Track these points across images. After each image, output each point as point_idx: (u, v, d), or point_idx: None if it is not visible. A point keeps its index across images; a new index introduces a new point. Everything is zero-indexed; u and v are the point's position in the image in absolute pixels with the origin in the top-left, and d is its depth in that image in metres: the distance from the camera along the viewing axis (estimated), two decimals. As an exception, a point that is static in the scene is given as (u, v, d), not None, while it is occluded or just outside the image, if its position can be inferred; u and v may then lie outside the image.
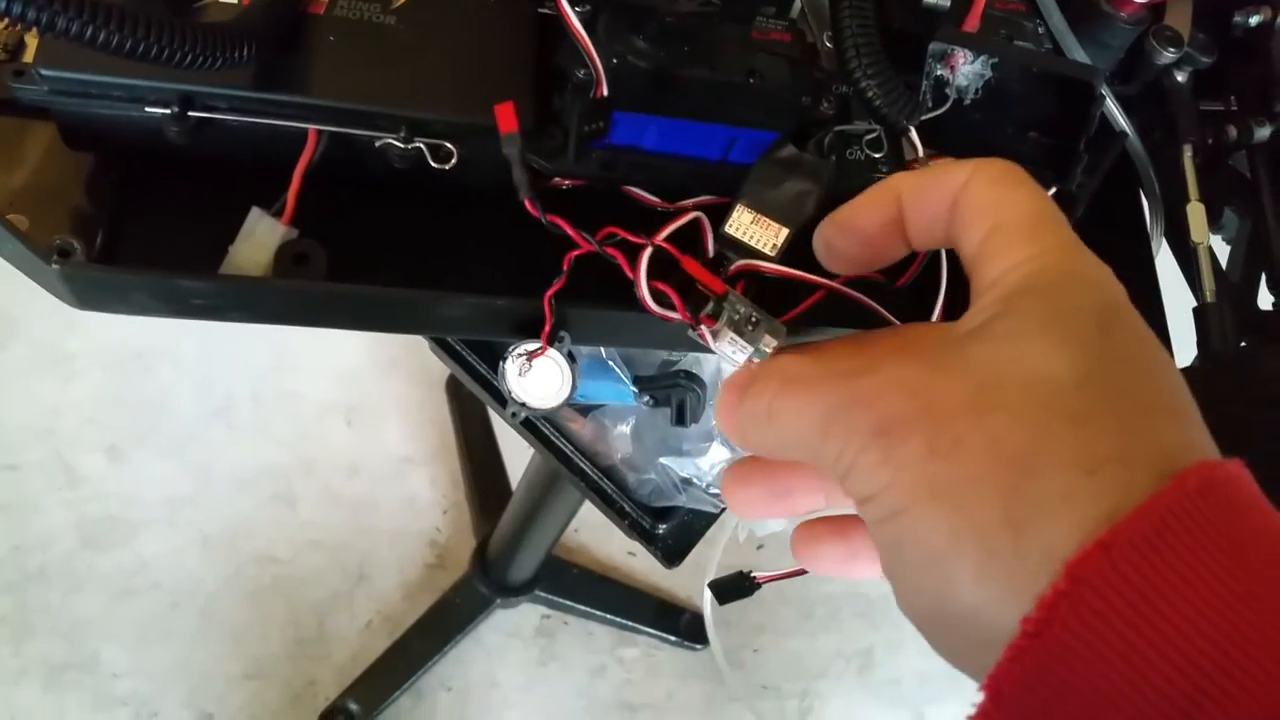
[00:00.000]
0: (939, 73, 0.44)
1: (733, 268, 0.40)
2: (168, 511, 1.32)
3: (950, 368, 0.28)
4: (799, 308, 0.39)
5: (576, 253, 0.38)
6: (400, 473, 1.40)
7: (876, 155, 0.42)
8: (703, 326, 0.37)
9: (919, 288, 0.40)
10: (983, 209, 0.30)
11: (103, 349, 1.38)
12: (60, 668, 1.22)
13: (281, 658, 1.27)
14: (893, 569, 0.28)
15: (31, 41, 0.41)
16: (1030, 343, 0.27)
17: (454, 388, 1.42)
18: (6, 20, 0.31)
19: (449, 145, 0.39)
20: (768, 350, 0.38)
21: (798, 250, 0.40)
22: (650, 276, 0.36)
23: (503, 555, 1.22)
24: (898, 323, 0.40)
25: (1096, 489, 0.24)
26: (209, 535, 1.31)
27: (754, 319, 0.37)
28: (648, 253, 0.37)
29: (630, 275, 0.37)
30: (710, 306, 0.37)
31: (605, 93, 0.37)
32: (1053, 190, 0.44)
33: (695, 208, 0.43)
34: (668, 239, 0.37)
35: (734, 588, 0.46)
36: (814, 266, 0.39)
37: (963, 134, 0.43)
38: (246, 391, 1.40)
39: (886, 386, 0.28)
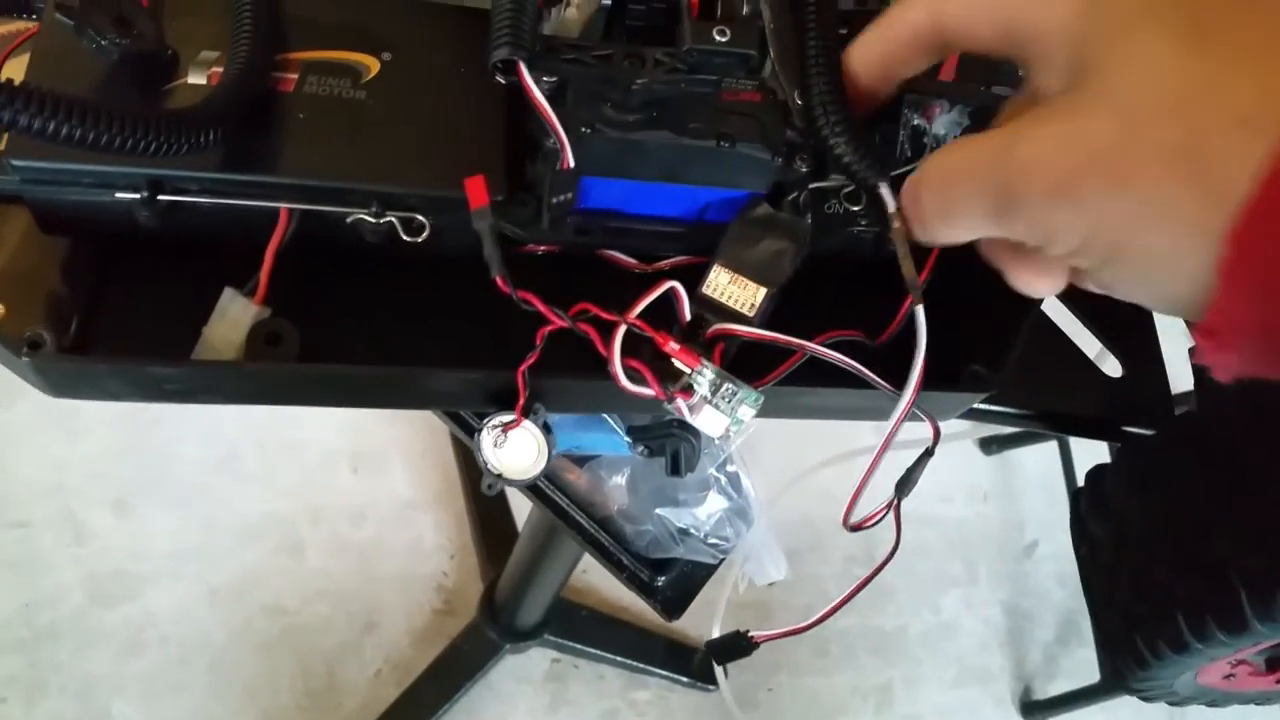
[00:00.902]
0: (916, 122, 0.44)
1: (709, 331, 0.39)
2: (174, 564, 1.31)
3: (1079, 109, 0.28)
4: (777, 371, 0.39)
5: (549, 328, 0.38)
6: (406, 518, 1.39)
7: (855, 208, 0.42)
8: (679, 400, 0.37)
9: (899, 346, 0.40)
10: None
11: (108, 404, 1.37)
12: (72, 725, 1.21)
13: (292, 709, 1.26)
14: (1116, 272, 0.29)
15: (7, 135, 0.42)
16: (1133, 54, 0.28)
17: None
18: (-30, 118, 0.31)
19: (421, 218, 0.39)
20: (745, 420, 0.37)
21: (778, 309, 0.40)
22: (624, 351, 0.36)
23: (510, 600, 1.21)
24: (879, 381, 0.39)
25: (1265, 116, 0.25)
26: (216, 587, 1.31)
27: (730, 390, 0.36)
28: (620, 332, 0.37)
29: (604, 353, 0.37)
30: (686, 379, 0.37)
31: (571, 164, 0.37)
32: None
33: (672, 269, 0.43)
34: (642, 313, 0.37)
35: (732, 648, 0.46)
36: (793, 327, 0.39)
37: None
38: (251, 441, 1.40)
39: (1036, 157, 0.29)
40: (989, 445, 1.60)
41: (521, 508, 1.35)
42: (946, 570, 1.52)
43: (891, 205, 0.39)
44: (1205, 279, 0.26)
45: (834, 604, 0.46)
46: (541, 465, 0.42)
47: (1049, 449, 1.53)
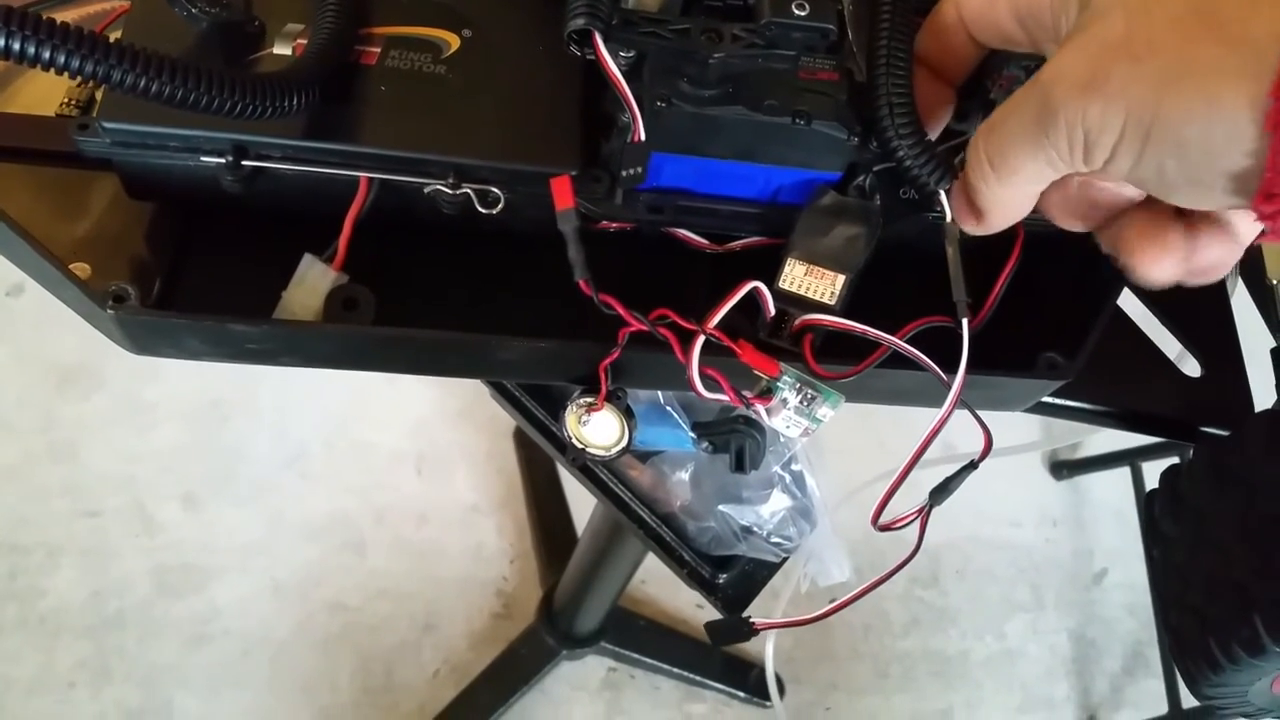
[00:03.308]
0: (992, 96, 0.43)
1: (797, 323, 0.39)
2: (240, 559, 1.33)
3: (1090, 23, 0.30)
4: (859, 367, 0.39)
5: (629, 329, 0.38)
6: (468, 521, 1.40)
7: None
8: (757, 405, 0.37)
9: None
10: None
11: (181, 399, 1.41)
12: (135, 713, 1.23)
13: (349, 707, 1.27)
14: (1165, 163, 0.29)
15: (101, 98, 0.43)
16: None
17: (521, 437, 1.43)
18: (65, 73, 0.32)
19: (496, 190, 0.39)
20: (824, 420, 0.37)
21: (859, 295, 0.39)
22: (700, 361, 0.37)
23: (569, 606, 1.21)
24: (949, 380, 0.38)
25: None
26: (280, 582, 1.32)
27: (809, 395, 0.36)
28: (699, 343, 0.37)
29: (681, 359, 0.37)
30: (763, 385, 0.37)
31: (642, 137, 0.37)
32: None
33: (744, 250, 0.42)
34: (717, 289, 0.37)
35: (731, 630, 0.45)
36: (876, 316, 0.39)
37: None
38: (320, 440, 1.42)
39: (1061, 69, 0.30)
40: (1060, 470, 1.57)
41: (581, 515, 1.35)
42: (1013, 595, 1.49)
43: (949, 215, 0.38)
44: (1253, 144, 0.27)
45: (841, 600, 0.44)
46: (623, 444, 0.42)
47: (1121, 476, 1.49)
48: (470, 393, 1.46)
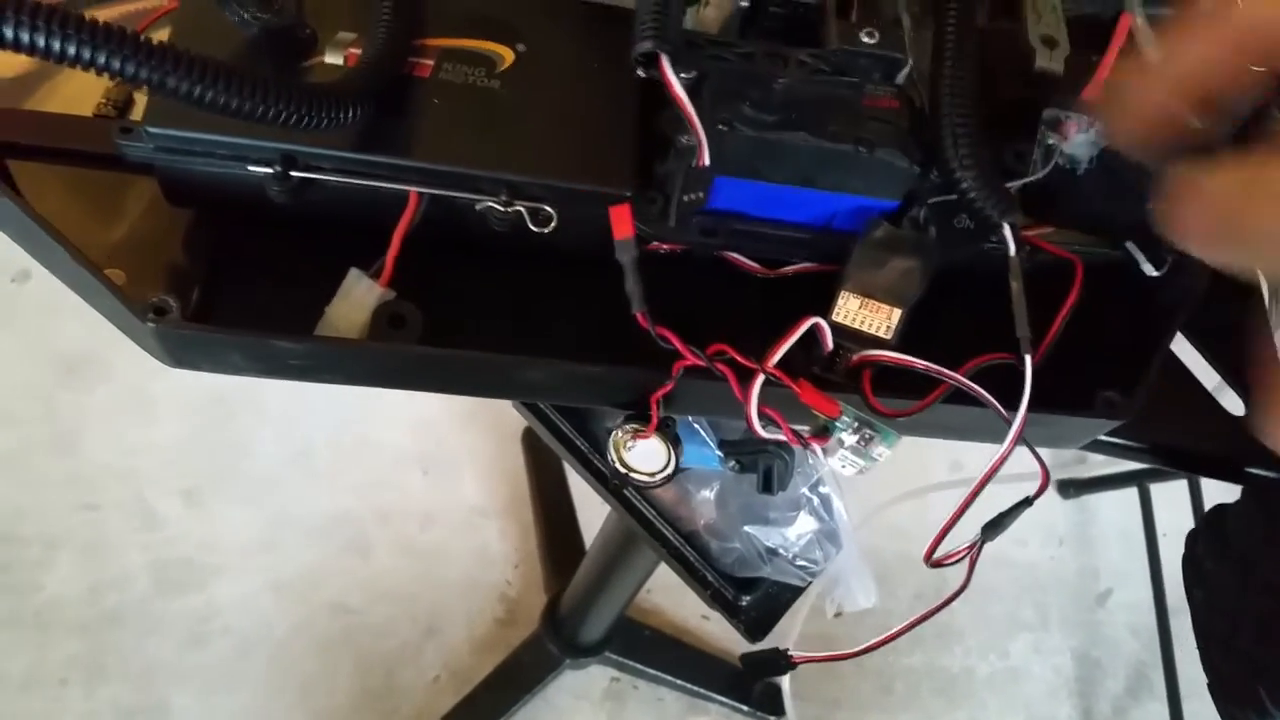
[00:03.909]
0: (1050, 141, 0.43)
1: (853, 359, 0.38)
2: (241, 557, 1.32)
3: None
4: (920, 405, 0.38)
5: (685, 363, 0.37)
6: (473, 524, 1.39)
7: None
8: (814, 445, 0.36)
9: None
10: None
11: (186, 393, 1.39)
12: (129, 713, 1.22)
13: (348, 710, 1.26)
14: None
15: (140, 98, 0.42)
16: None
17: (530, 439, 1.41)
18: (118, 79, 0.31)
19: (548, 209, 0.38)
20: (879, 460, 0.36)
21: (914, 329, 0.38)
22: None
23: (574, 614, 1.20)
24: (1010, 418, 0.37)
25: None
26: (281, 582, 1.31)
27: (867, 435, 0.36)
28: (759, 382, 0.36)
29: (740, 398, 0.36)
30: (821, 423, 0.36)
31: (706, 162, 0.36)
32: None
33: (795, 276, 0.42)
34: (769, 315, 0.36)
35: (768, 664, 0.44)
36: (926, 350, 0.38)
37: (1076, 202, 0.41)
38: (325, 439, 1.40)
39: None
40: (1066, 489, 1.56)
41: (589, 523, 1.34)
42: (1017, 614, 1.48)
43: (1013, 249, 0.38)
44: None
45: (887, 634, 0.44)
46: (668, 473, 0.42)
47: (1127, 496, 1.49)
48: (478, 395, 1.44)
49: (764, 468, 0.61)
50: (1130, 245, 0.41)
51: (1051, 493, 1.58)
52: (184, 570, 1.31)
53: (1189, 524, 1.32)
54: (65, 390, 1.37)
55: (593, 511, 1.25)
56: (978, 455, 0.39)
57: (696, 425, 0.61)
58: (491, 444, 1.44)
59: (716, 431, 0.61)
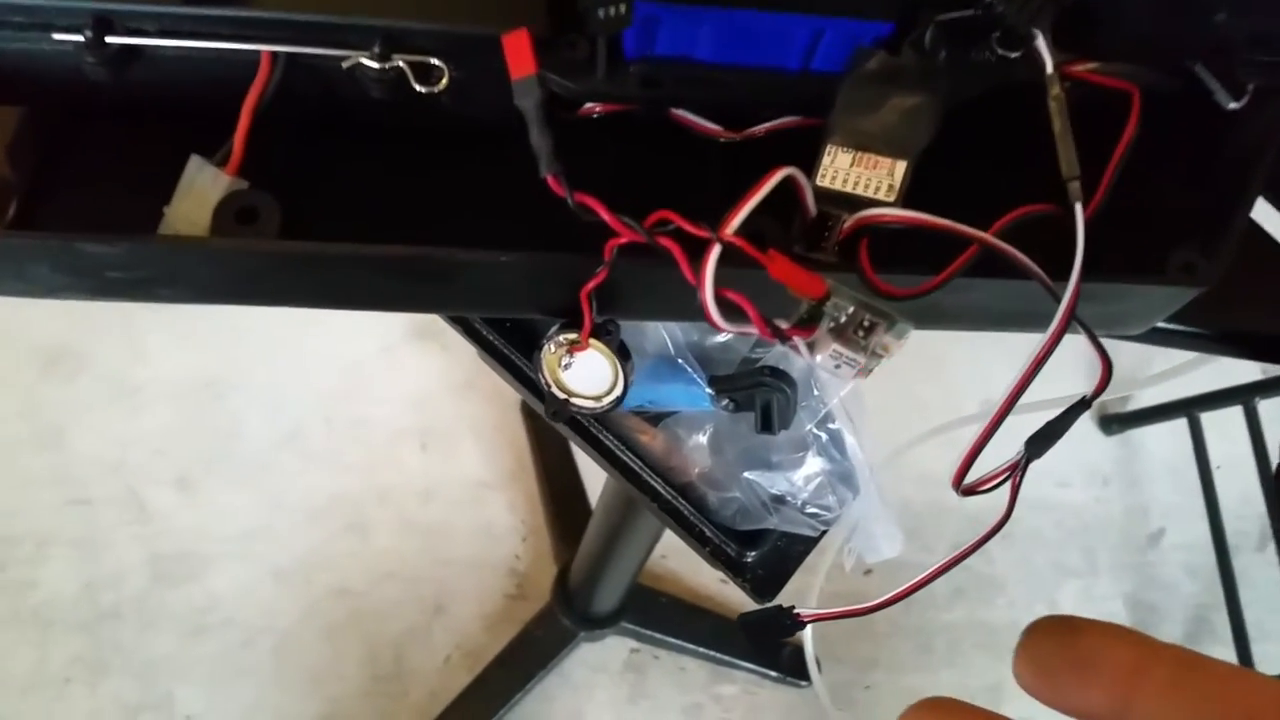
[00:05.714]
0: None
1: (847, 225, 0.29)
2: (239, 545, 1.28)
3: None
4: (939, 277, 0.29)
5: (619, 241, 0.29)
6: (477, 498, 1.33)
7: (1012, 55, 0.32)
8: (796, 339, 0.28)
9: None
10: None
11: (171, 378, 1.35)
12: (135, 708, 1.19)
13: (358, 696, 1.22)
14: None
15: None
16: None
17: (530, 408, 1.35)
18: None
19: (438, 62, 0.30)
20: (886, 356, 0.28)
21: (924, 189, 0.30)
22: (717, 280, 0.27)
23: (585, 584, 1.13)
24: (1058, 289, 0.28)
25: None
26: (281, 568, 1.27)
27: (866, 321, 0.27)
28: (714, 253, 0.27)
29: (691, 279, 0.27)
30: (803, 311, 0.28)
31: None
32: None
33: (768, 134, 0.33)
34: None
35: (771, 625, 0.35)
36: (944, 205, 0.29)
37: (1124, 24, 0.32)
38: (318, 418, 1.35)
39: None
40: (1109, 424, 1.47)
41: (596, 487, 1.28)
42: (1064, 561, 1.40)
43: (1050, 64, 0.29)
44: None
45: (910, 584, 0.34)
46: (617, 394, 0.33)
47: (1176, 428, 1.40)
48: (476, 362, 1.37)
49: (761, 403, 0.53)
50: (1200, 70, 0.32)
51: (1093, 429, 1.49)
52: (181, 561, 1.27)
53: (1245, 455, 1.24)
54: (45, 384, 1.33)
55: (600, 477, 1.18)
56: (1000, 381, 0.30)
57: (681, 360, 0.54)
58: (492, 414, 1.38)
59: (706, 367, 0.53)
